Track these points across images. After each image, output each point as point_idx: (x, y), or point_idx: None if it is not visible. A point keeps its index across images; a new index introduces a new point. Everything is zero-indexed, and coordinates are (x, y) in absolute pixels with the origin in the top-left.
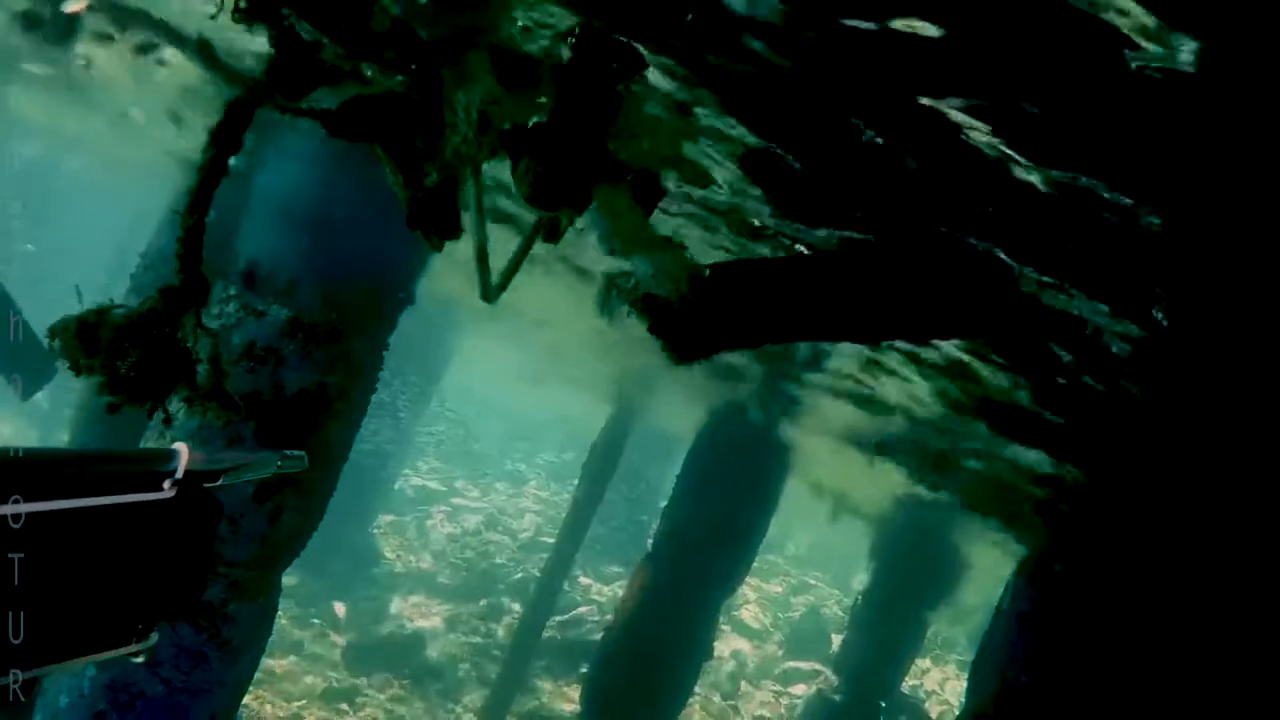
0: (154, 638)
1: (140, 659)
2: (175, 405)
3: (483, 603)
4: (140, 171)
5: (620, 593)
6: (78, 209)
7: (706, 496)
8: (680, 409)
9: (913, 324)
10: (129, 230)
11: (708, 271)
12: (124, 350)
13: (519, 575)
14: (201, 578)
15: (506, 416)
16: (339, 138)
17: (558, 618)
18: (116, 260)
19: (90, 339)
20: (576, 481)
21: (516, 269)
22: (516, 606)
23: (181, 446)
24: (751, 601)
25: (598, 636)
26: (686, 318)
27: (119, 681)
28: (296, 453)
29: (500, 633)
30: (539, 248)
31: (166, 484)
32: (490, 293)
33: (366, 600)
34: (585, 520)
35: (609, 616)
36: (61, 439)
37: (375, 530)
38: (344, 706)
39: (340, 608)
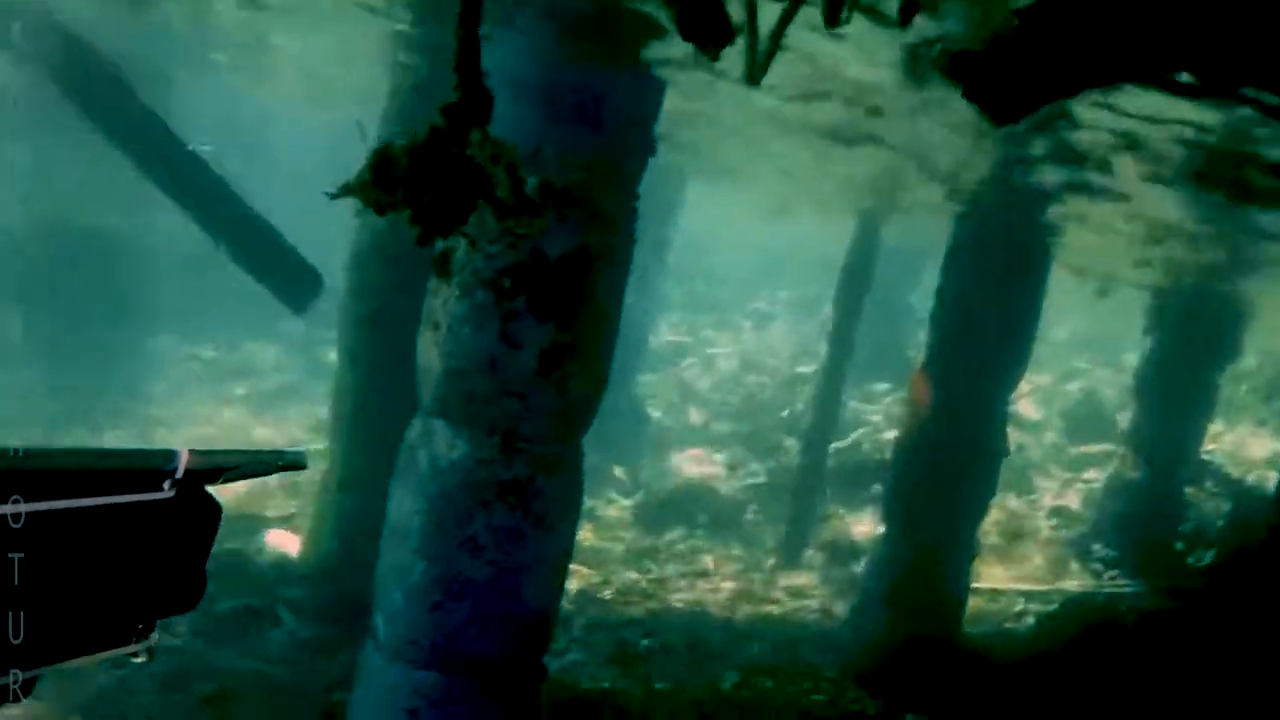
0: (155, 637)
1: (141, 659)
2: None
3: (758, 444)
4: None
5: (896, 410)
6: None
7: (974, 294)
8: (930, 212)
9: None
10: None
11: (1017, 20)
12: (422, 178)
13: (787, 412)
14: (201, 578)
15: (744, 255)
16: None
17: (836, 444)
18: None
19: (387, 177)
20: (828, 309)
21: (776, 45)
22: (792, 442)
23: (181, 448)
24: (1025, 394)
25: (881, 456)
26: (1002, 73)
27: (448, 572)
28: (297, 450)
29: (782, 470)
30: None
31: (166, 484)
32: (756, 71)
33: (646, 460)
34: (845, 345)
35: (889, 434)
36: (325, 359)
37: (639, 390)
38: (647, 563)
39: (621, 471)
